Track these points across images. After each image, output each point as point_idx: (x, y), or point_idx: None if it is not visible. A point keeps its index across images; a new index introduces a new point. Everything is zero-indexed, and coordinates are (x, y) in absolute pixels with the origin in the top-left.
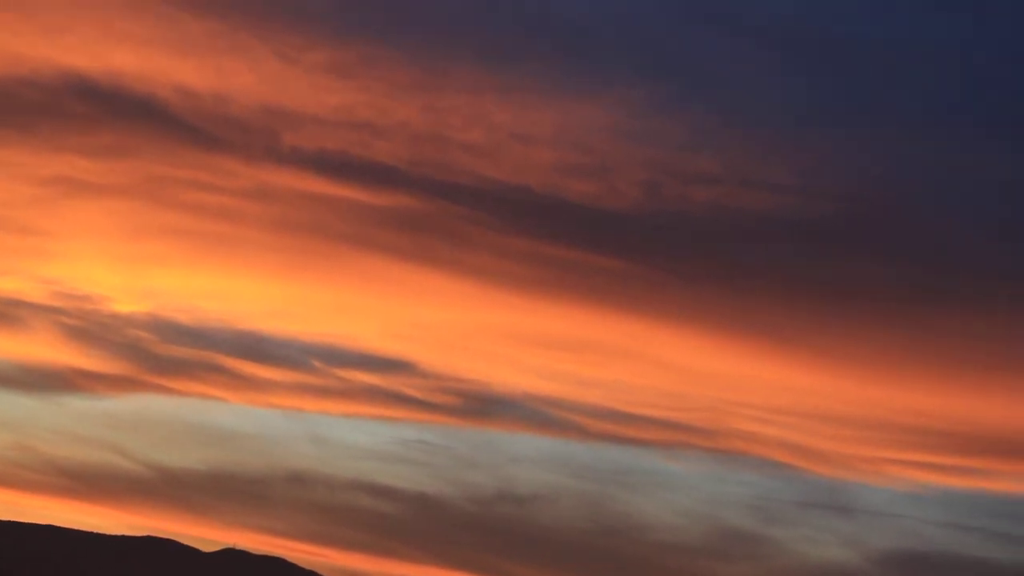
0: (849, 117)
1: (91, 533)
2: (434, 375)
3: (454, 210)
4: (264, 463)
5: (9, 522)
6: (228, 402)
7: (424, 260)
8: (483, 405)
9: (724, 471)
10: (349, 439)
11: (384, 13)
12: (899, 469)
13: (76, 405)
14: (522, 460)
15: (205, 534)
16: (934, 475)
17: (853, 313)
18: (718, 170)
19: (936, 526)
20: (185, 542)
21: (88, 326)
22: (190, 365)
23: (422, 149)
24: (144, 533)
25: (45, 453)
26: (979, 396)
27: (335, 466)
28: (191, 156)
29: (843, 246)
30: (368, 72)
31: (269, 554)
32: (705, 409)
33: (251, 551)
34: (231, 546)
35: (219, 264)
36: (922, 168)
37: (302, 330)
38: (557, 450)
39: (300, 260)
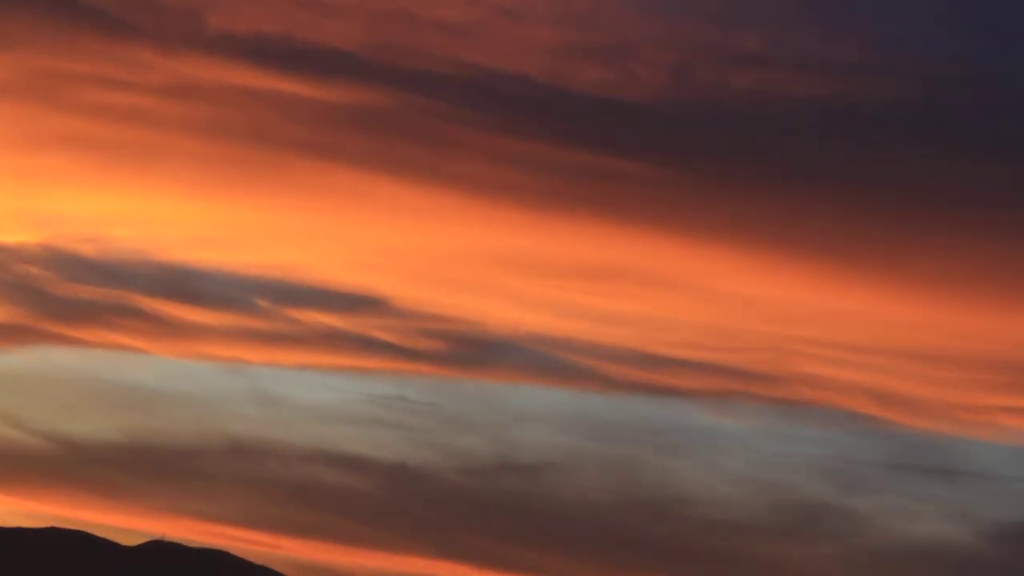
0: None
1: None
2: (413, 314)
3: (430, 106)
4: (198, 431)
5: None
6: (149, 354)
7: (394, 169)
8: (477, 351)
9: (790, 427)
10: (306, 398)
11: None
12: (1017, 420)
13: None
14: (529, 419)
15: (126, 523)
16: None
17: (948, 223)
18: (765, 48)
19: None
20: (100, 534)
21: None
22: (99, 308)
23: (386, 30)
24: (47, 523)
25: None
26: None
27: (289, 432)
28: (94, 46)
29: (927, 140)
30: None
31: (208, 546)
32: (764, 349)
33: (185, 543)
34: (159, 537)
35: (133, 180)
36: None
37: (241, 261)
38: (574, 405)
39: (236, 173)
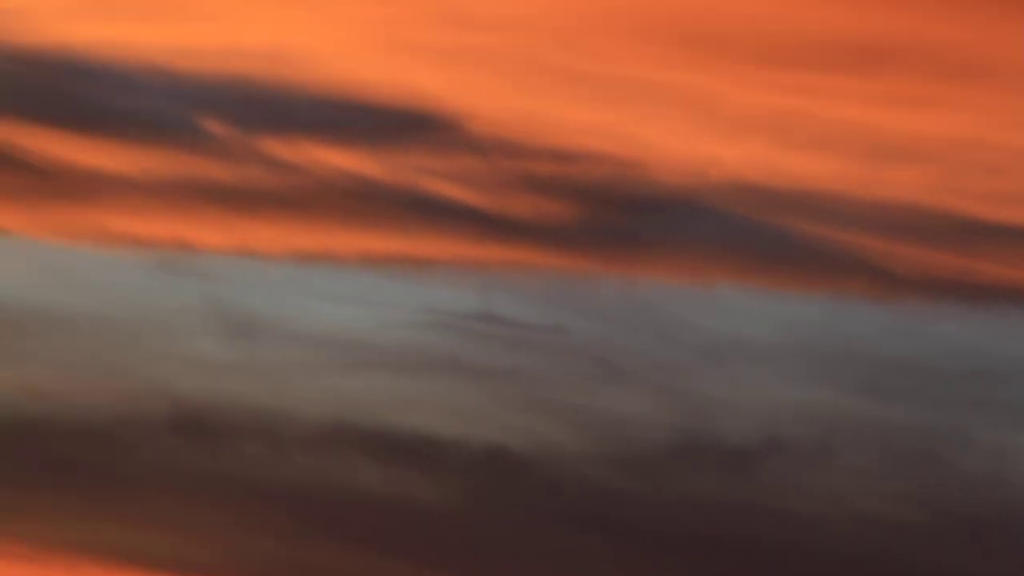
0: None
1: None
2: (508, 146)
3: None
4: None
5: None
6: None
7: None
8: (626, 217)
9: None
10: (285, 315)
11: None
12: None
13: None
14: (738, 358)
15: None
16: None
17: None
18: None
19: None
20: None
21: None
22: None
23: None
24: None
25: None
26: None
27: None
28: None
29: None
30: None
31: None
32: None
33: None
34: None
35: None
36: None
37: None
38: (818, 325)
39: None
